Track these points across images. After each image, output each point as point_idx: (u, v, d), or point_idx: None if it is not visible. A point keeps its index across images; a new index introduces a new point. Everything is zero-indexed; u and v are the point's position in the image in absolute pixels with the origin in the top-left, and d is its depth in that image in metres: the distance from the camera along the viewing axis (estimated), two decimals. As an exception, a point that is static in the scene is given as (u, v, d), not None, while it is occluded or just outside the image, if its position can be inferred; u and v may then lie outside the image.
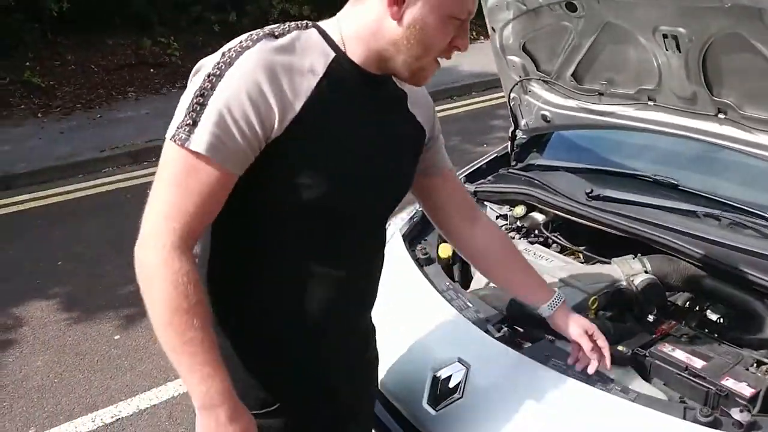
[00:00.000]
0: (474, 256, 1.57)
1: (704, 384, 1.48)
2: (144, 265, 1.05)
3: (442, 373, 1.57)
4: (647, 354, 1.59)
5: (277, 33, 1.09)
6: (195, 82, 1.06)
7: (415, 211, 2.23)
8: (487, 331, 1.68)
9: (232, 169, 1.06)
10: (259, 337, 1.24)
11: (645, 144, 2.22)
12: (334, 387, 1.35)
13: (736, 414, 1.34)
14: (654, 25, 1.69)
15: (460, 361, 1.59)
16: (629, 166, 2.18)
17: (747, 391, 1.44)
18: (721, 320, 1.83)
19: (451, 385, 1.55)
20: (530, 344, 1.66)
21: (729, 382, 1.47)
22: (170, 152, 1.06)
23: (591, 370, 1.45)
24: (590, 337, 1.45)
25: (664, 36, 1.69)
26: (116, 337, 3.23)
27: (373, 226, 1.30)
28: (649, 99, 1.91)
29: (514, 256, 1.55)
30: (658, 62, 1.79)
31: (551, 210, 2.15)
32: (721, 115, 1.75)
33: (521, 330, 1.76)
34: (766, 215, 1.78)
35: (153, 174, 1.09)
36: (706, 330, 1.76)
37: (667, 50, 1.71)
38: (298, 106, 1.06)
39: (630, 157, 2.24)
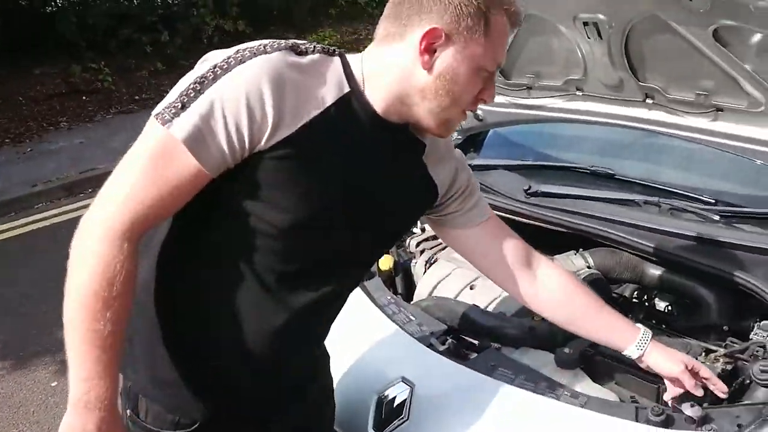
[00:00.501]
0: (542, 305, 1.39)
1: (654, 380, 1.42)
2: (83, 239, 0.97)
3: (387, 394, 1.49)
4: (595, 353, 1.53)
5: (300, 49, 1.03)
6: (198, 69, 0.99)
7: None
8: (430, 346, 1.59)
9: (206, 168, 0.97)
10: (191, 350, 1.14)
11: (579, 135, 2.19)
12: (268, 416, 1.25)
13: (687, 409, 1.29)
14: (573, 13, 1.65)
15: (404, 380, 1.51)
16: (565, 159, 2.14)
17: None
18: (669, 309, 1.79)
19: (396, 406, 1.47)
20: (476, 354, 1.59)
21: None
22: (150, 130, 0.98)
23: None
24: (691, 371, 1.30)
25: (585, 23, 1.65)
26: (53, 384, 3.03)
27: (341, 273, 1.20)
28: (577, 89, 1.87)
29: (587, 298, 1.37)
30: (582, 51, 1.74)
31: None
32: (649, 100, 1.71)
33: (467, 339, 1.69)
34: (703, 198, 1.75)
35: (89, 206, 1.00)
36: (654, 321, 1.71)
37: (589, 38, 1.67)
38: (294, 127, 0.99)
39: (566, 150, 2.20)
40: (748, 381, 1.39)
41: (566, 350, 1.52)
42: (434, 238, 2.14)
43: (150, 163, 0.96)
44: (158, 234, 1.14)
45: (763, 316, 1.59)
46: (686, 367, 1.29)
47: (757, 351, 1.45)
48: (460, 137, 2.44)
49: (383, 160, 1.13)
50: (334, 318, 1.28)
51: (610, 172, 1.94)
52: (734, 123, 1.56)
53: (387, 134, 1.11)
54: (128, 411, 1.17)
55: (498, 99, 2.13)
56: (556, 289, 1.36)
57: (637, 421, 1.30)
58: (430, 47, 1.02)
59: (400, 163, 1.16)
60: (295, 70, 1.00)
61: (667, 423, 1.28)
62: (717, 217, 1.70)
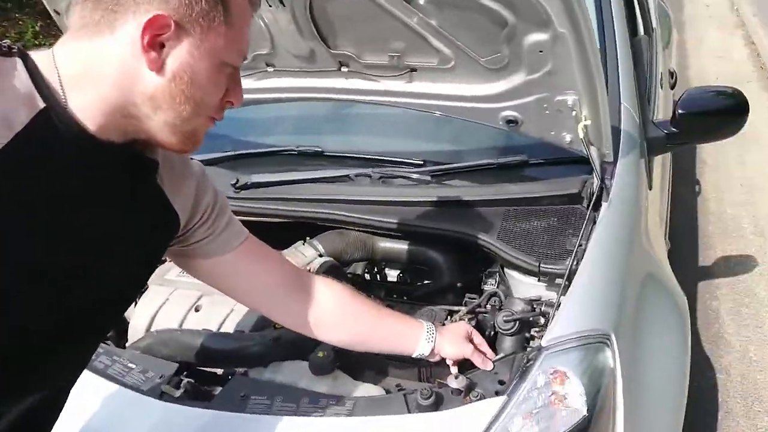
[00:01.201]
0: (322, 330, 1.23)
1: (407, 361, 1.36)
2: None
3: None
4: (347, 355, 1.40)
5: None
6: None
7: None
8: (162, 395, 1.30)
9: None
10: None
11: (280, 115, 2.03)
12: None
13: (452, 382, 1.25)
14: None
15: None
16: (270, 143, 1.96)
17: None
18: (402, 278, 1.77)
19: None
20: (220, 388, 1.34)
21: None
22: None
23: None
24: (471, 340, 1.30)
25: (263, -10, 1.46)
26: None
27: (70, 344, 0.89)
28: (267, 65, 1.70)
29: (365, 307, 1.26)
30: (265, 21, 1.56)
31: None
32: (344, 69, 1.61)
33: (207, 371, 1.43)
34: (413, 161, 1.74)
35: None
36: (394, 296, 1.66)
37: (270, 6, 1.49)
38: None
39: (269, 133, 2.04)
40: (493, 333, 1.41)
41: (319, 354, 1.36)
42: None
43: None
44: None
45: (487, 266, 1.65)
46: (473, 343, 1.29)
47: (495, 302, 1.49)
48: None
49: (103, 193, 0.84)
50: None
51: (318, 150, 1.82)
52: (429, 82, 1.55)
53: (105, 158, 0.83)
54: None
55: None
56: (331, 310, 1.22)
57: (408, 411, 1.21)
58: (155, 41, 0.77)
59: (127, 194, 0.89)
60: None
61: (437, 403, 1.21)
62: (428, 178, 1.71)
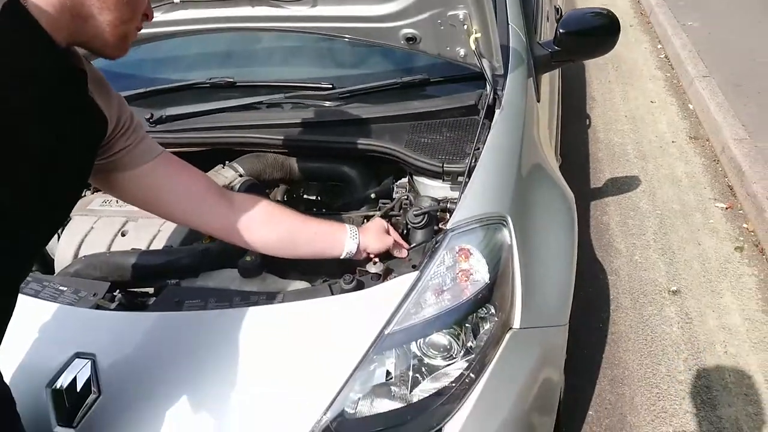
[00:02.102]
0: (248, 234, 1.27)
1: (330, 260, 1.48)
2: None
3: (62, 382, 1.23)
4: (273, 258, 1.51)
5: None
6: None
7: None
8: (98, 308, 1.36)
9: None
10: None
11: (192, 49, 2.06)
12: None
13: (371, 268, 1.38)
14: None
15: (78, 356, 1.26)
16: (182, 77, 1.99)
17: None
18: (320, 197, 1.87)
19: (81, 388, 1.22)
20: (155, 298, 1.42)
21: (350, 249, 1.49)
22: None
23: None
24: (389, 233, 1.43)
25: None
26: None
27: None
28: (173, -3, 1.73)
29: (288, 213, 1.33)
30: (168, -49, 1.60)
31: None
32: (250, -3, 1.67)
33: (139, 291, 1.50)
34: (322, 85, 1.83)
35: None
36: (315, 210, 1.77)
37: (172, -66, 1.53)
38: None
39: (181, 68, 2.06)
40: (406, 231, 1.55)
41: (247, 258, 1.47)
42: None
43: None
44: None
45: (397, 176, 1.78)
46: (392, 236, 1.41)
47: (405, 204, 1.63)
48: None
49: (46, 107, 0.88)
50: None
51: (230, 80, 1.88)
52: (332, 5, 1.63)
53: (52, 60, 0.88)
54: None
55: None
56: (256, 214, 1.28)
57: (333, 294, 1.34)
58: None
59: (67, 98, 0.93)
60: None
61: (359, 287, 1.34)
62: (338, 101, 1.81)
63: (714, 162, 3.38)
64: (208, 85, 1.90)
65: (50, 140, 0.90)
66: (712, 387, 2.06)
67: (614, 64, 4.73)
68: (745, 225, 2.84)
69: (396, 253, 1.43)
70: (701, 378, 2.10)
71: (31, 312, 1.36)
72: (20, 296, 1.36)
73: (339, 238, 1.37)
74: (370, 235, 1.41)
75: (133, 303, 1.40)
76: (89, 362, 1.25)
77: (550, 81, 2.36)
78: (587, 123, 3.88)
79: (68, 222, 1.67)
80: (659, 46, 4.99)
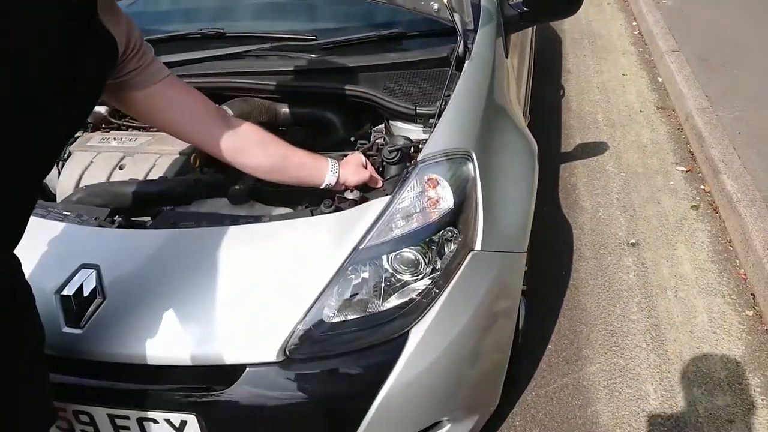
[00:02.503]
0: (244, 155, 1.42)
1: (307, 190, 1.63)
2: None
3: (70, 289, 1.37)
4: (263, 184, 1.65)
5: None
6: None
7: None
8: (101, 227, 1.50)
9: None
10: None
11: (183, 2, 2.18)
12: None
13: (349, 195, 1.54)
14: None
15: (84, 266, 1.40)
16: (175, 29, 2.10)
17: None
18: (304, 139, 2.01)
19: (87, 294, 1.37)
20: (152, 220, 1.56)
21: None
22: None
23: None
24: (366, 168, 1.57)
25: None
26: None
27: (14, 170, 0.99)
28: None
29: (279, 142, 1.48)
30: None
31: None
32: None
33: (138, 218, 1.64)
34: (306, 37, 1.96)
35: None
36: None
37: None
38: None
39: (173, 21, 2.18)
40: (381, 168, 1.70)
41: (237, 187, 1.61)
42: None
43: None
44: None
45: (374, 123, 1.93)
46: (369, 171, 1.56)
47: (381, 145, 1.78)
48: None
49: (59, 21, 0.97)
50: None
51: (220, 31, 2.01)
52: (317, -40, 1.77)
53: None
54: None
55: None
56: (253, 138, 1.42)
57: (314, 215, 1.49)
58: None
59: (78, 23, 1.01)
60: None
61: (337, 210, 1.50)
62: (320, 51, 1.94)
63: (678, 130, 3.56)
64: (199, 35, 2.03)
65: (62, 64, 1.00)
66: (661, 325, 2.25)
67: (590, 39, 4.90)
68: (702, 186, 3.04)
69: (371, 185, 1.59)
70: (651, 318, 2.29)
71: (38, 230, 1.49)
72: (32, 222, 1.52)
73: (322, 170, 1.52)
74: (349, 168, 1.56)
75: (132, 223, 1.54)
76: (94, 272, 1.39)
77: (521, 43, 2.51)
78: (561, 93, 4.04)
79: (69, 157, 1.80)
80: (634, 23, 5.16)
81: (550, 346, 2.20)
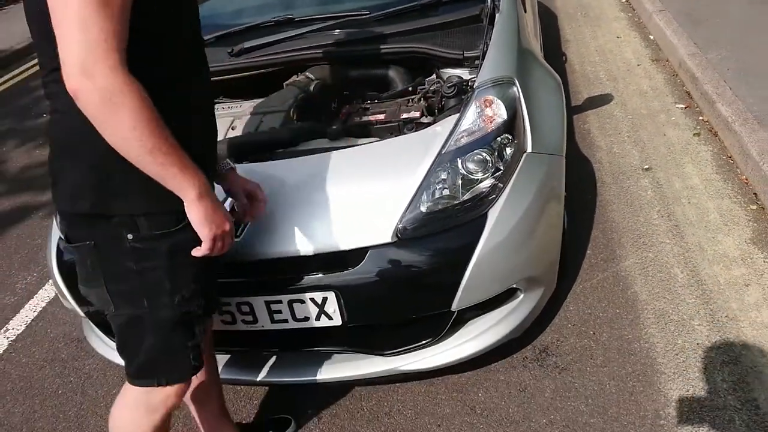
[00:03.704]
0: None
1: (393, 121, 2.06)
2: (101, 90, 1.06)
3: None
4: (350, 126, 2.08)
5: None
6: None
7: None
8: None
9: None
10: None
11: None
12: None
13: (424, 120, 1.97)
14: None
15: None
16: (251, 20, 2.55)
17: (416, 113, 2.08)
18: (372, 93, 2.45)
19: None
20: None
21: (405, 115, 2.08)
22: None
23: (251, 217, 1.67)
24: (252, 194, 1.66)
25: None
26: None
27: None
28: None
29: None
30: None
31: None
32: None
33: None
34: (362, 12, 2.40)
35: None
36: (370, 101, 2.34)
37: None
38: None
39: (250, 14, 2.62)
40: (441, 104, 2.12)
41: (333, 127, 2.04)
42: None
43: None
44: None
45: (426, 75, 2.36)
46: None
47: (438, 87, 2.20)
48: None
49: None
50: None
51: (289, 17, 2.45)
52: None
53: None
54: (129, 236, 1.29)
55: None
56: None
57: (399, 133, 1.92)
58: None
59: None
60: None
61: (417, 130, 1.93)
62: (373, 23, 2.38)
63: (673, 76, 3.98)
64: (272, 23, 2.47)
65: None
66: (680, 225, 2.66)
67: (582, 12, 5.34)
68: (701, 117, 3.45)
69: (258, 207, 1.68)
70: (671, 221, 2.69)
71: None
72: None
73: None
74: (237, 178, 1.66)
75: (257, 160, 1.96)
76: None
77: (531, 4, 2.94)
78: (563, 59, 4.47)
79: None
80: (621, -7, 5.60)
81: (588, 251, 2.61)
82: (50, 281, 3.06)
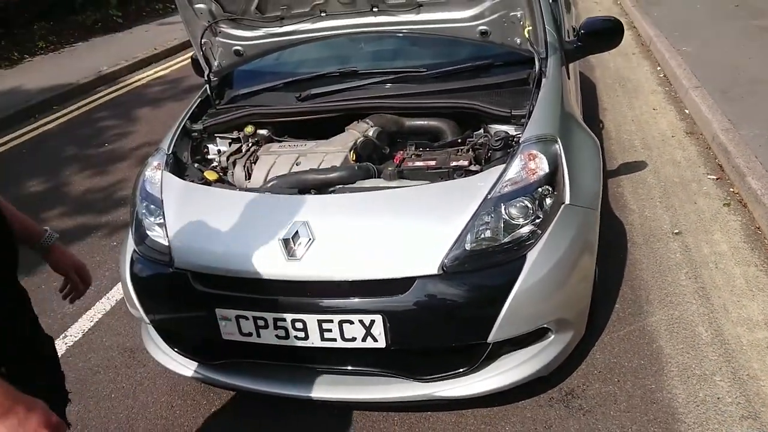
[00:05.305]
0: None
1: (444, 168, 2.27)
2: None
3: (287, 234, 2.00)
4: (403, 169, 2.30)
5: None
6: None
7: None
8: (302, 195, 2.15)
9: None
10: None
11: (326, 50, 2.91)
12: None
13: (473, 168, 2.17)
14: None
15: (296, 221, 2.04)
16: (317, 70, 2.82)
17: (464, 162, 2.28)
18: (425, 143, 2.67)
19: (303, 238, 1.99)
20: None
21: (454, 163, 2.28)
22: None
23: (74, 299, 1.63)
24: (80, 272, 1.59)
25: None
26: None
27: None
28: (321, 11, 2.57)
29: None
30: (322, -19, 2.45)
31: (275, 120, 2.67)
32: (375, 9, 2.51)
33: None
34: (420, 70, 2.65)
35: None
36: (421, 149, 2.56)
37: (331, -31, 2.38)
38: None
39: (315, 64, 2.90)
40: (488, 155, 2.33)
41: (389, 169, 2.26)
42: (239, 151, 2.64)
43: None
44: None
45: (474, 129, 2.58)
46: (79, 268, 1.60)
47: (486, 140, 2.41)
48: (216, 78, 2.90)
49: None
50: None
51: (354, 69, 2.71)
52: (430, 12, 2.47)
53: None
54: None
55: (256, 33, 2.71)
56: None
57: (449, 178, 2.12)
58: None
59: None
60: None
61: (465, 176, 2.13)
62: (431, 80, 2.62)
63: (706, 149, 4.15)
64: (337, 74, 2.73)
65: None
66: (706, 287, 2.78)
67: (620, 83, 5.58)
68: (731, 189, 3.60)
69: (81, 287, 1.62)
70: (698, 283, 2.82)
71: (249, 201, 2.15)
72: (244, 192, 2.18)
73: (34, 235, 1.52)
74: (62, 254, 1.56)
75: (319, 193, 2.18)
76: (305, 222, 2.02)
77: (574, 72, 3.17)
78: (600, 126, 4.68)
79: (256, 160, 2.47)
80: (658, 68, 5.84)
81: (617, 305, 2.74)
82: (107, 294, 3.29)
